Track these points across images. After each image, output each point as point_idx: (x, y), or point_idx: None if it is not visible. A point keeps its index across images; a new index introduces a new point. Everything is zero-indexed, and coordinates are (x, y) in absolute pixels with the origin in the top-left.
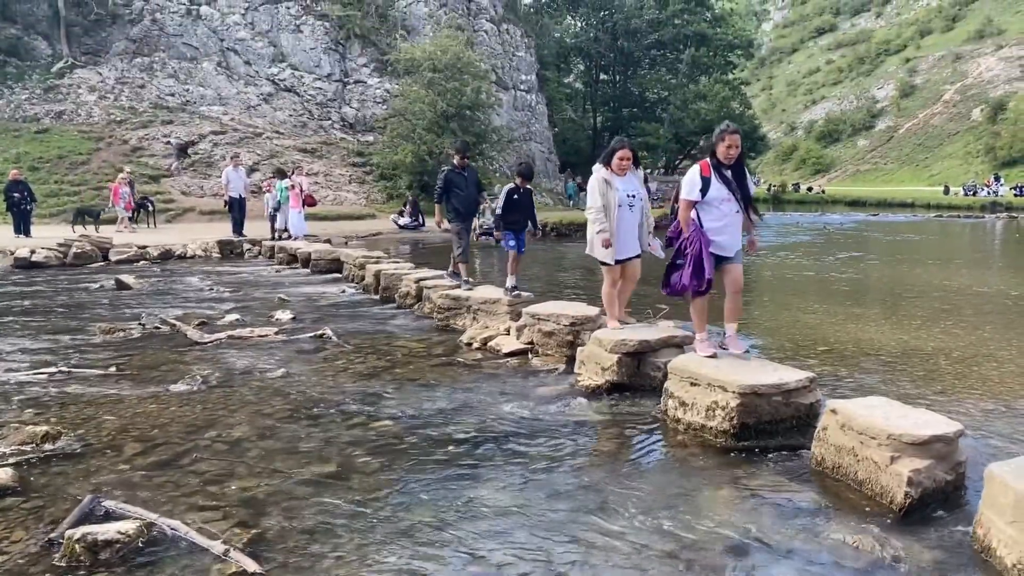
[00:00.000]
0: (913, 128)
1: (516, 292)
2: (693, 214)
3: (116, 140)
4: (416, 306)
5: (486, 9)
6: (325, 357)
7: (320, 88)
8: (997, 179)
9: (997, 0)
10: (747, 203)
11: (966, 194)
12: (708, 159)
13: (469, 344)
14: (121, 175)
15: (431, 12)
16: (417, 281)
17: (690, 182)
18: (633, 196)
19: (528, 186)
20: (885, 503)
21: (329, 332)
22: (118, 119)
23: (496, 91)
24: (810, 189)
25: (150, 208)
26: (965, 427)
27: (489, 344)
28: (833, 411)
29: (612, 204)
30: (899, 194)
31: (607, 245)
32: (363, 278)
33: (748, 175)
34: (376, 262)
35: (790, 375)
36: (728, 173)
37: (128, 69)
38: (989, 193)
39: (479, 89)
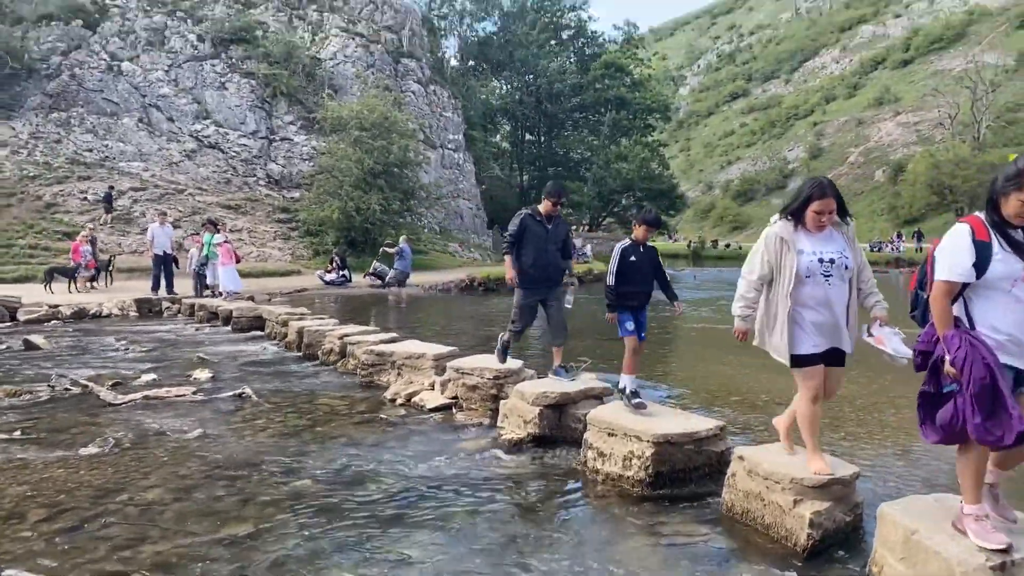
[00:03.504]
0: None
1: (638, 401)
2: (958, 308)
3: (29, 196)
4: (340, 363)
5: (413, 71)
6: (244, 416)
7: (245, 145)
8: (899, 236)
9: (893, 70)
10: None
11: (872, 250)
12: (984, 214)
13: (393, 400)
14: (83, 233)
15: (359, 72)
16: (341, 337)
17: (953, 250)
18: (831, 262)
19: (650, 241)
20: (790, 545)
21: (248, 391)
22: (31, 175)
23: (424, 149)
24: (728, 245)
25: (111, 268)
26: (864, 470)
27: (413, 400)
28: (741, 457)
29: (787, 274)
30: None
31: (743, 334)
32: (286, 335)
33: None
34: (299, 318)
35: (701, 424)
36: (1020, 235)
37: (43, 124)
38: (893, 250)
39: (406, 147)
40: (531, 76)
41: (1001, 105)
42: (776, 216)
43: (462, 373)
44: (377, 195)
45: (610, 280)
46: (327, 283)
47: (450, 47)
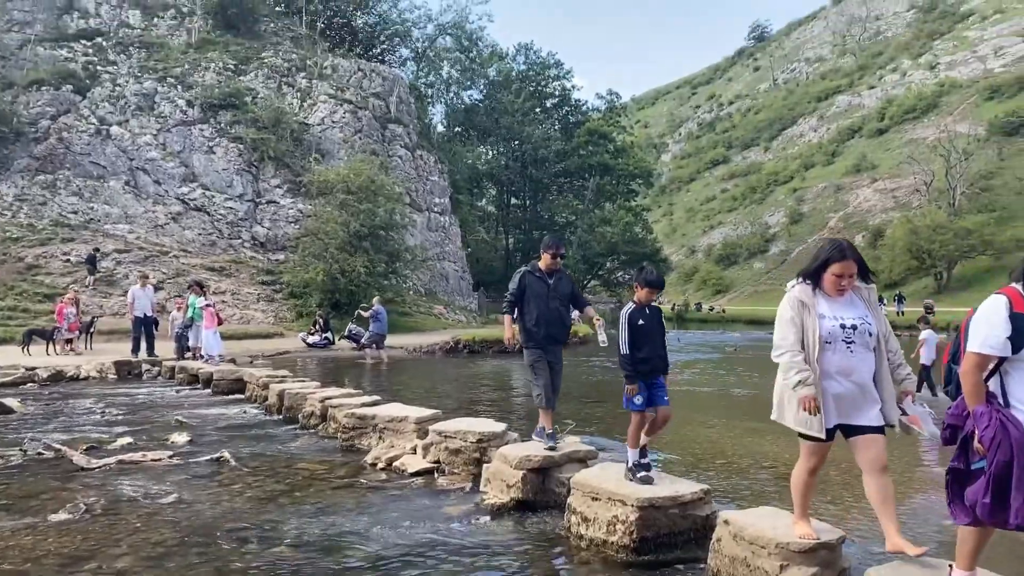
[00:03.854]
0: (804, 252)
1: (644, 475)
2: (994, 383)
3: (11, 258)
4: (320, 426)
5: (400, 136)
6: (221, 481)
7: (231, 208)
8: (881, 300)
9: (869, 139)
10: None
11: None
12: (1021, 286)
13: (374, 464)
14: (68, 295)
15: (346, 137)
16: (322, 400)
17: (988, 322)
18: (853, 328)
19: (655, 301)
20: None
21: (227, 455)
22: (14, 236)
23: (410, 212)
24: (712, 308)
25: (91, 330)
26: (850, 534)
27: (394, 464)
28: (726, 522)
29: (810, 340)
30: None
31: (812, 407)
32: (266, 398)
33: None
34: (280, 381)
35: (686, 487)
36: None
37: (29, 187)
38: None
39: (392, 210)
40: (516, 142)
41: (974, 173)
42: (793, 281)
43: (445, 436)
44: (362, 257)
45: (624, 348)
46: (310, 345)
47: (437, 114)
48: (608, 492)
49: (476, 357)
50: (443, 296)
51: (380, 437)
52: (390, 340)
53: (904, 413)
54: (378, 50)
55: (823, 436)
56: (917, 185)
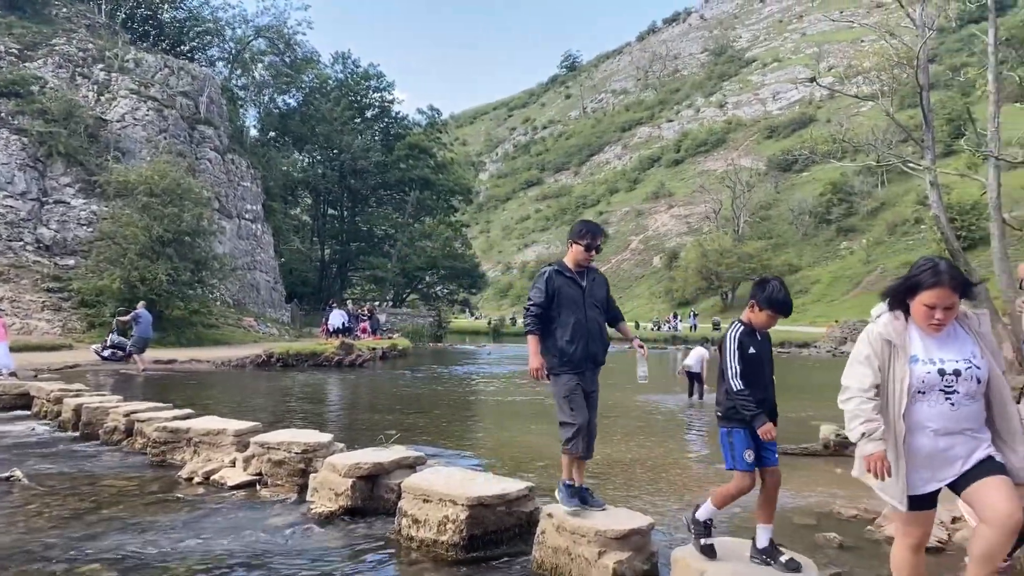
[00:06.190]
0: (608, 271)
1: (708, 543)
2: None
3: None
4: (126, 442)
5: (210, 138)
6: (13, 502)
7: (11, 206)
8: (676, 316)
9: (667, 168)
10: None
11: (653, 329)
12: None
13: (190, 479)
14: None
15: (150, 136)
16: (127, 414)
17: None
18: (955, 374)
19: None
20: None
21: (19, 474)
22: None
23: (219, 219)
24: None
25: None
26: (656, 522)
27: (212, 477)
28: (549, 515)
29: (897, 390)
30: None
31: (879, 468)
32: (59, 413)
33: None
34: (76, 395)
35: (512, 485)
36: None
37: None
38: (670, 328)
39: (200, 216)
40: (335, 151)
41: (756, 203)
42: (877, 308)
43: (268, 448)
44: (165, 264)
45: (736, 383)
46: (104, 359)
47: (250, 117)
48: (439, 493)
49: (290, 370)
50: (253, 308)
51: (195, 451)
52: (196, 354)
53: None
54: (187, 47)
55: (903, 507)
56: (707, 212)
